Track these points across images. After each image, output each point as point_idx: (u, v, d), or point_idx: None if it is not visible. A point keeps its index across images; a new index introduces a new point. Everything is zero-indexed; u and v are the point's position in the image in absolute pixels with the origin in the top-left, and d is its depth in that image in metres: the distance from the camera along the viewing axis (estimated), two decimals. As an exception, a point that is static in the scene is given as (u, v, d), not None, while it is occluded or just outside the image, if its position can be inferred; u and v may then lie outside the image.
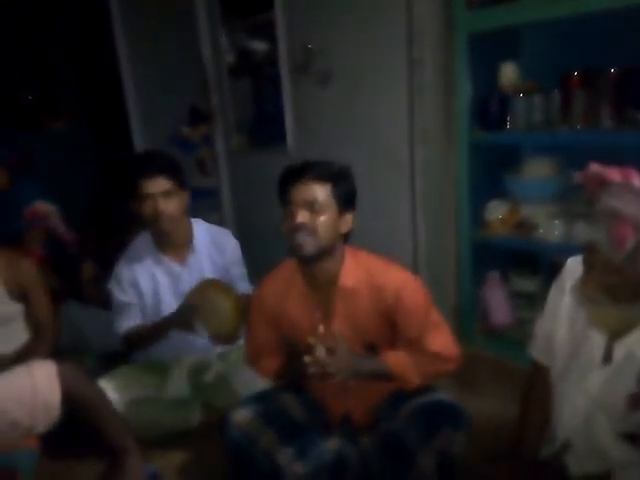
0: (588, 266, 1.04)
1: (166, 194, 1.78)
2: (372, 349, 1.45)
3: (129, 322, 1.89)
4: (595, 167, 1.05)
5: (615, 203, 0.97)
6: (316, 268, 1.40)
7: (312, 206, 1.32)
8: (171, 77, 3.28)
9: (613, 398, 1.10)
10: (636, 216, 0.95)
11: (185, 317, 1.76)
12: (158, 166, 1.80)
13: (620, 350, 1.10)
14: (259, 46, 2.95)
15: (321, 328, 1.36)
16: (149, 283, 1.90)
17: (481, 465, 1.35)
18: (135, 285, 1.90)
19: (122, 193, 1.84)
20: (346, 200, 1.39)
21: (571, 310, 1.20)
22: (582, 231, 1.04)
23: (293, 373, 1.47)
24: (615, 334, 1.11)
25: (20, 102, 4.14)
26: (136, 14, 3.32)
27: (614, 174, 1.01)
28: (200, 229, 1.96)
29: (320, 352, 1.30)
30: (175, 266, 1.91)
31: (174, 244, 1.90)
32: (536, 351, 1.33)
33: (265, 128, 3.00)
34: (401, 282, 1.40)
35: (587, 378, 1.15)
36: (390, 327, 1.44)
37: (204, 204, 3.33)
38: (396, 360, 1.41)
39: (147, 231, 1.93)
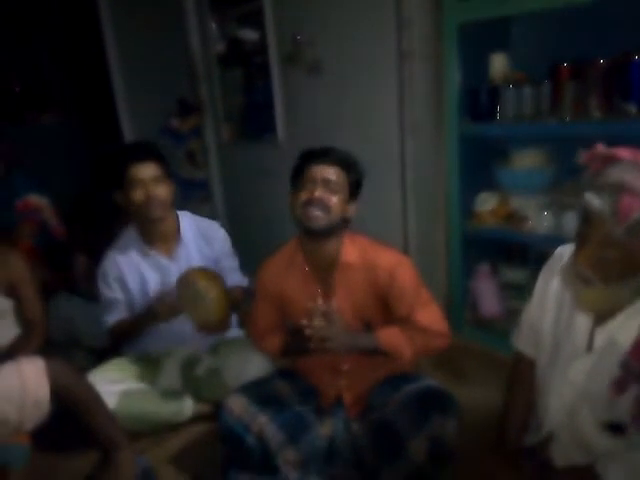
0: (583, 240, 1.05)
1: (157, 180, 1.78)
2: (368, 326, 1.51)
3: (115, 317, 1.89)
4: (602, 147, 1.07)
5: (625, 176, 0.98)
6: (319, 246, 1.48)
7: (329, 185, 1.44)
8: (160, 68, 3.25)
9: (596, 386, 1.11)
10: None
11: (164, 304, 1.74)
12: (148, 152, 1.80)
13: (601, 336, 1.11)
14: (250, 35, 2.91)
15: (320, 300, 1.45)
16: (136, 278, 1.89)
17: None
18: (122, 281, 1.88)
19: (109, 184, 1.81)
20: (355, 188, 1.51)
21: (558, 296, 1.21)
22: (588, 199, 1.03)
23: (295, 347, 1.53)
24: (600, 317, 1.11)
25: (8, 95, 4.10)
26: (124, 5, 3.28)
27: (623, 152, 1.03)
28: (187, 221, 1.94)
29: (318, 319, 1.40)
30: (163, 259, 1.89)
31: (161, 237, 1.88)
32: (521, 342, 1.34)
33: (255, 119, 2.98)
34: (394, 262, 1.49)
35: (571, 367, 1.16)
36: (384, 306, 1.51)
37: (195, 196, 3.32)
38: (388, 335, 1.47)
39: (132, 225, 1.91)
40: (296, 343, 1.51)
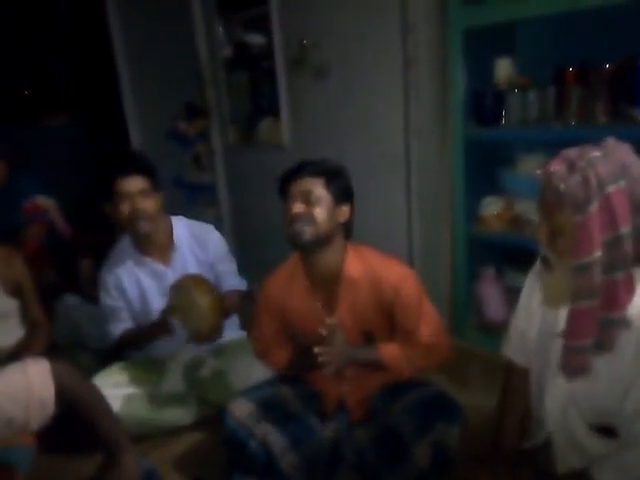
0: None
1: (143, 193, 1.78)
2: (370, 337, 1.51)
3: (119, 326, 1.91)
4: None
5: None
6: (317, 259, 1.47)
7: (308, 198, 1.42)
8: (167, 72, 3.27)
9: (580, 389, 1.13)
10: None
11: (162, 324, 1.78)
12: (135, 165, 1.80)
13: None
14: (256, 39, 2.93)
15: (328, 320, 1.43)
16: (134, 286, 1.90)
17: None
18: (121, 289, 1.90)
19: (97, 195, 1.82)
20: (340, 193, 1.47)
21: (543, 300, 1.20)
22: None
23: (301, 364, 1.54)
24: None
25: (17, 97, 4.14)
26: (132, 9, 3.31)
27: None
28: (180, 226, 1.95)
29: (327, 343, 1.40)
30: (159, 266, 1.90)
31: (155, 246, 1.89)
32: (510, 351, 1.34)
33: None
34: (400, 277, 1.46)
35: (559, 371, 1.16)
36: (388, 317, 1.50)
37: (201, 199, 3.34)
38: (389, 352, 1.47)
39: (126, 235, 1.92)
40: (303, 360, 1.52)
